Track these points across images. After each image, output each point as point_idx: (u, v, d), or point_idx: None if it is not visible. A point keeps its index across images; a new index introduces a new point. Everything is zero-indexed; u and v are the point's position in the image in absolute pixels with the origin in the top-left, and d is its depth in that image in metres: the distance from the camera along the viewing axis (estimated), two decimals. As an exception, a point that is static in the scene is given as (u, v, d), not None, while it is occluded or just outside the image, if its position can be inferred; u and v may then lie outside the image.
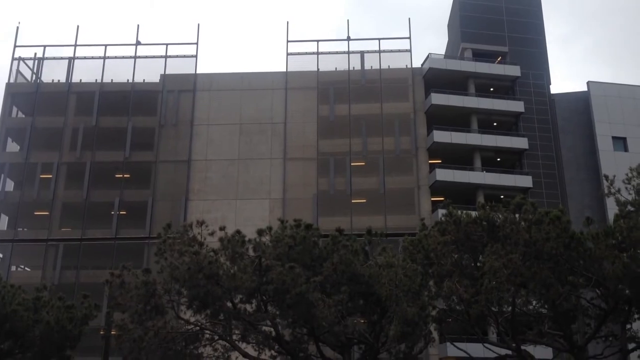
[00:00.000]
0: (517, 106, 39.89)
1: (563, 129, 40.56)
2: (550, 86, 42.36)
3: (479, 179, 37.74)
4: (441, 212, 26.10)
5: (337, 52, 41.29)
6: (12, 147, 40.74)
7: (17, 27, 42.80)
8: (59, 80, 41.03)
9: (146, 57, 41.00)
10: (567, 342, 20.49)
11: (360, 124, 39.09)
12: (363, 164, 38.76)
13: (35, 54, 41.54)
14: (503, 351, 21.96)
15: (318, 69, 40.53)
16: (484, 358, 23.85)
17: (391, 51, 40.82)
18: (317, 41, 41.54)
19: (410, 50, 40.59)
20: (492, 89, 40.78)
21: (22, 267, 40.43)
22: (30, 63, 41.77)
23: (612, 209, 22.95)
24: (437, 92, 38.96)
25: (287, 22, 42.79)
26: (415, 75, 40.46)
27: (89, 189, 37.95)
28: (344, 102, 39.62)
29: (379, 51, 40.81)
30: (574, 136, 40.25)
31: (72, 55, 41.16)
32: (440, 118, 38.95)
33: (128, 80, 40.48)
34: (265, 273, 18.57)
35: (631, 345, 21.23)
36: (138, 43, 40.83)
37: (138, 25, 41.55)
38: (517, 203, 20.23)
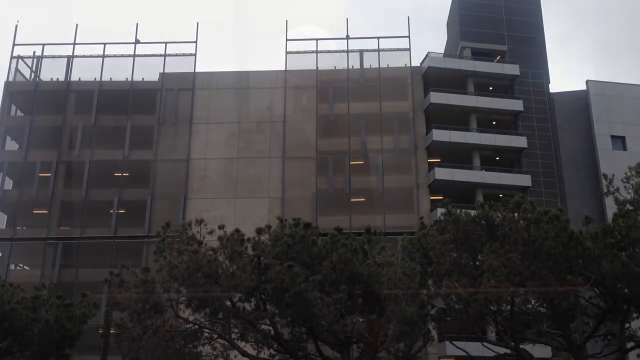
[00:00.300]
0: (516, 105, 39.90)
1: (562, 127, 40.58)
2: (550, 85, 42.42)
3: (478, 178, 37.75)
4: (440, 211, 26.14)
5: (336, 51, 41.31)
6: (11, 145, 40.73)
7: (16, 26, 42.75)
8: (57, 79, 41.01)
9: (145, 55, 40.97)
10: (565, 341, 20.52)
11: (359, 122, 39.10)
12: (362, 162, 38.75)
13: (34, 52, 41.50)
14: (502, 350, 21.99)
15: (317, 67, 40.51)
16: (482, 357, 23.89)
17: (390, 50, 40.80)
18: (316, 40, 41.53)
19: (409, 49, 40.60)
20: (491, 88, 40.78)
21: (21, 265, 40.43)
22: (29, 61, 41.77)
23: (611, 208, 22.98)
24: (436, 91, 38.96)
25: (287, 21, 42.81)
26: (414, 74, 40.43)
27: (88, 187, 37.93)
28: (343, 101, 39.62)
29: (378, 50, 40.78)
30: (573, 135, 40.26)
31: (71, 53, 41.17)
32: (439, 117, 38.94)
33: (127, 78, 40.45)
34: (264, 272, 18.57)
35: (630, 344, 21.27)
36: (137, 41, 40.80)
37: (137, 24, 41.55)
38: (516, 202, 20.27)
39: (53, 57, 41.77)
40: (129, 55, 41.15)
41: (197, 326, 19.87)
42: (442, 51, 46.83)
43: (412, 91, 40.31)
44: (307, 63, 40.73)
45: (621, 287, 18.65)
